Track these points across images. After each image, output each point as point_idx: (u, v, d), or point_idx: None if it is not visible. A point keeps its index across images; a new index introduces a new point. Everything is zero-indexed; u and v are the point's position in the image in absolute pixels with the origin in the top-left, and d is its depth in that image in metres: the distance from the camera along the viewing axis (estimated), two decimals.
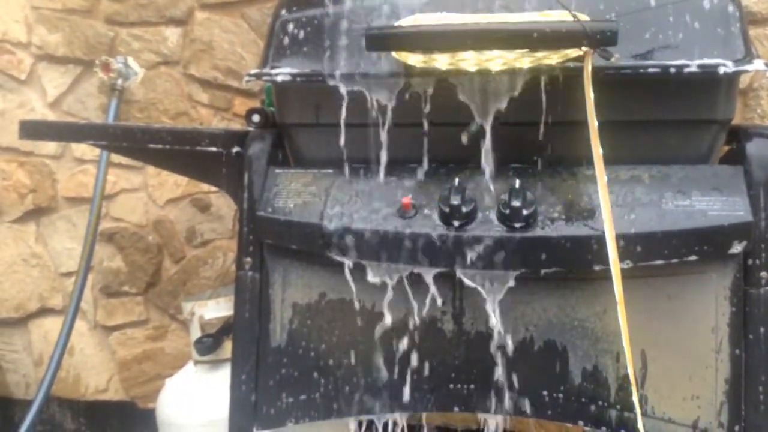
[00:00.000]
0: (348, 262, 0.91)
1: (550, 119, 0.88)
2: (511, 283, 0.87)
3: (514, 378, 0.92)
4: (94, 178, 1.69)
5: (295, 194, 0.95)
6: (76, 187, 1.85)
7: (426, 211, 0.88)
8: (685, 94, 0.87)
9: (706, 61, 0.84)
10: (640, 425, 0.84)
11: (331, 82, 0.91)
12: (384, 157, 0.92)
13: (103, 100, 1.78)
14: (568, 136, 0.88)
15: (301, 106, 0.97)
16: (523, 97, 0.87)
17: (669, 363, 0.89)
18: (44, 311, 1.93)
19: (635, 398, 0.84)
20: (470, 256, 0.85)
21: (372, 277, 0.91)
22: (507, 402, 0.93)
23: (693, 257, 0.84)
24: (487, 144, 0.90)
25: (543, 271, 0.86)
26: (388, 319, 0.93)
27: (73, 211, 1.87)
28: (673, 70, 0.84)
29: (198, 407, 1.35)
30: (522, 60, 0.84)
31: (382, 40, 0.84)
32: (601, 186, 0.82)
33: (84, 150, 1.82)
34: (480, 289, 0.88)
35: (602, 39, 0.79)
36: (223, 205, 1.78)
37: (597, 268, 0.84)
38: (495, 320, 0.91)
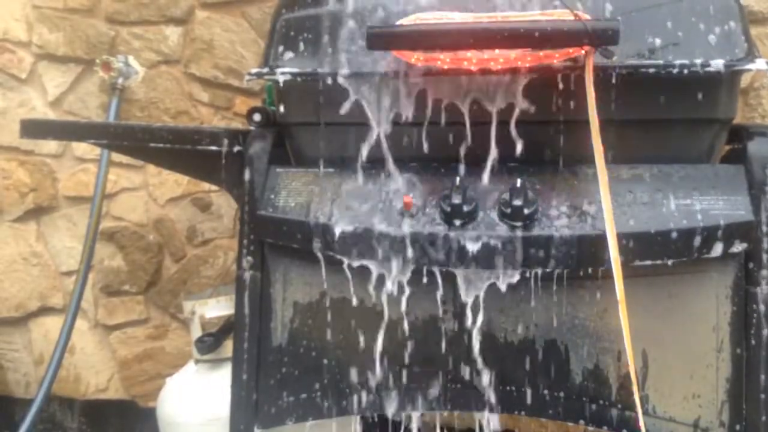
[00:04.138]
0: (349, 261, 0.91)
1: (552, 118, 0.88)
2: (512, 281, 0.87)
3: (515, 377, 0.92)
4: (95, 177, 1.69)
5: (296, 193, 0.95)
6: (76, 186, 1.85)
7: (427, 209, 0.88)
8: (687, 93, 0.87)
9: (708, 60, 0.84)
10: (641, 424, 0.84)
11: (332, 82, 0.91)
12: (386, 156, 0.92)
13: (103, 99, 1.78)
14: (570, 135, 0.88)
15: (302, 105, 0.97)
16: (524, 96, 0.87)
17: (670, 362, 0.89)
18: (45, 310, 1.93)
19: (636, 397, 0.84)
20: (471, 255, 0.85)
21: (373, 276, 0.91)
22: (508, 401, 0.93)
23: (694, 256, 0.84)
24: (488, 143, 0.89)
25: (544, 270, 0.86)
26: (388, 318, 0.93)
27: (73, 210, 1.87)
28: (674, 69, 0.84)
29: (199, 406, 1.35)
30: (523, 59, 0.84)
31: (384, 39, 0.84)
32: (603, 185, 0.82)
33: (85, 149, 1.82)
34: (476, 288, 0.88)
35: (604, 38, 0.79)
36: (224, 204, 1.78)
37: (598, 267, 0.84)
38: (491, 319, 0.91)
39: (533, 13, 0.87)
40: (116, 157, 1.73)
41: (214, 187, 1.73)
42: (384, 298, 0.92)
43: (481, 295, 0.89)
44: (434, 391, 0.95)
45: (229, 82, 1.72)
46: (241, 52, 1.70)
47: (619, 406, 0.90)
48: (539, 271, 0.86)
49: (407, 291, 0.91)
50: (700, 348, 0.88)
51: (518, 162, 0.91)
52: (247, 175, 0.97)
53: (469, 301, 0.90)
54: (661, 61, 0.85)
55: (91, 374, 1.93)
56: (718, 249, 0.84)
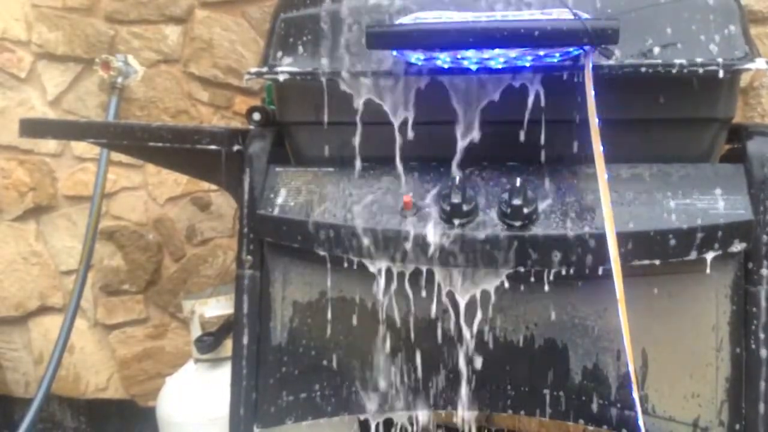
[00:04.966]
0: (348, 261, 0.91)
1: (551, 117, 0.88)
2: (512, 281, 0.87)
3: (515, 376, 0.92)
4: (94, 176, 1.69)
5: (295, 192, 0.95)
6: (76, 185, 1.85)
7: (427, 209, 0.88)
8: (686, 93, 0.87)
9: (708, 59, 0.84)
10: (640, 424, 0.84)
11: (332, 81, 0.91)
12: (386, 156, 0.92)
13: (103, 99, 1.78)
14: (569, 135, 0.88)
15: (301, 104, 0.97)
16: (524, 95, 0.87)
17: (670, 361, 0.89)
18: (44, 309, 1.93)
19: (636, 396, 0.84)
20: (471, 254, 0.85)
21: (372, 276, 0.91)
22: (507, 401, 0.93)
23: (693, 256, 0.84)
24: (488, 142, 0.89)
25: (543, 270, 0.86)
26: (387, 318, 0.93)
27: (73, 210, 1.87)
28: (674, 68, 0.84)
29: (198, 405, 1.35)
30: (523, 58, 0.84)
31: (383, 38, 0.84)
32: (602, 184, 0.82)
33: (84, 148, 1.82)
34: (475, 287, 0.88)
35: (603, 37, 0.79)
36: (224, 203, 1.78)
37: (597, 266, 0.84)
38: (490, 318, 0.91)
39: (533, 12, 0.87)
40: (115, 156, 1.73)
41: (213, 187, 1.73)
42: (383, 298, 0.93)
43: (481, 294, 0.89)
44: (433, 390, 0.95)
45: (228, 82, 1.72)
46: (240, 52, 1.70)
47: (619, 405, 0.90)
48: (538, 270, 0.86)
49: (406, 290, 0.91)
50: (700, 347, 0.88)
51: (518, 161, 0.92)
52: (246, 175, 0.97)
53: (469, 300, 0.90)
54: (660, 61, 0.85)
55: (91, 374, 1.93)
56: (717, 248, 0.84)
